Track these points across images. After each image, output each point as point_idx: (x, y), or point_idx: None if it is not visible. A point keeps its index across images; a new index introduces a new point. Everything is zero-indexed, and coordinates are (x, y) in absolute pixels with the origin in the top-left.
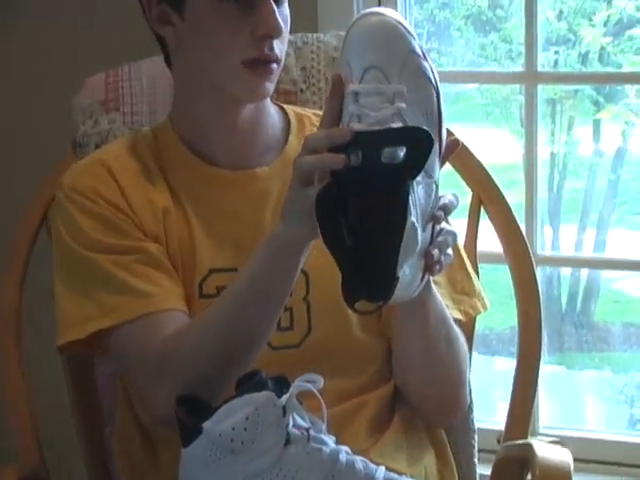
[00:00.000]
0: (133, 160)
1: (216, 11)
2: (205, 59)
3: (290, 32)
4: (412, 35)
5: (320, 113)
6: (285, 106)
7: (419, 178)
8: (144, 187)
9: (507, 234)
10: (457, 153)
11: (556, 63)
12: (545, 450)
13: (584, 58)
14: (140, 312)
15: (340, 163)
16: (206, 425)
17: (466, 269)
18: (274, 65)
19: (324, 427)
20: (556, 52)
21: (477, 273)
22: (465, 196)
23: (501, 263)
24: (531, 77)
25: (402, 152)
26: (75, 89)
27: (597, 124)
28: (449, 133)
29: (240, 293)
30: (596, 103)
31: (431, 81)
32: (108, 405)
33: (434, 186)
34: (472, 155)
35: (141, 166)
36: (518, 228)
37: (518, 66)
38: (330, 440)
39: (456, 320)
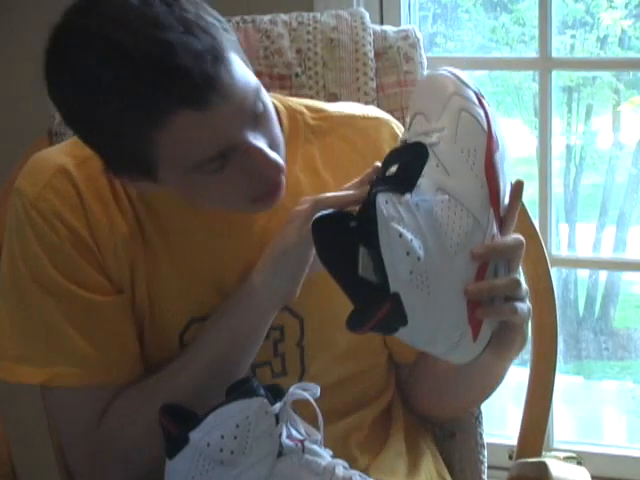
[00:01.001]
0: (101, 180)
1: (194, 180)
2: (205, 202)
3: (284, 12)
4: (464, 82)
5: (312, 102)
6: (276, 101)
7: (437, 199)
8: (108, 210)
9: (520, 231)
10: None
11: (572, 48)
12: (561, 470)
13: (603, 42)
14: (76, 383)
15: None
16: (193, 434)
17: None
18: (280, 183)
19: (320, 438)
20: (572, 36)
21: None
22: None
23: None
24: (545, 63)
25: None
26: None
27: (617, 114)
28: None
29: (207, 353)
30: (616, 91)
31: (479, 122)
32: None
33: (471, 219)
34: None
35: (109, 188)
36: (532, 224)
37: (531, 51)
38: (326, 453)
39: None
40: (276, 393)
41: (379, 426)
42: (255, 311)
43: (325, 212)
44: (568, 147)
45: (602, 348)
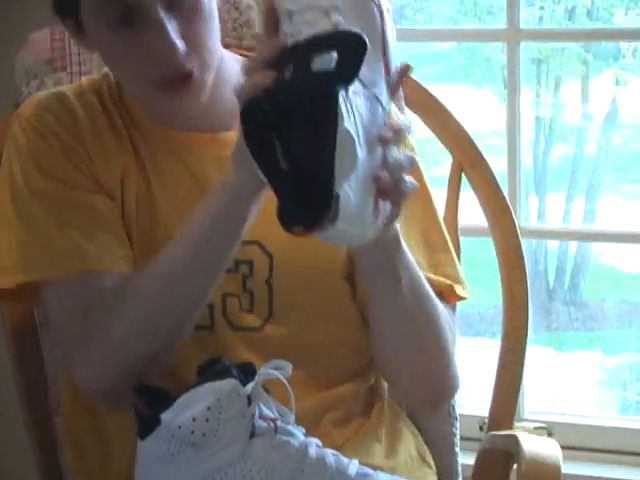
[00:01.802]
0: (96, 99)
1: (109, 34)
2: (119, 78)
3: None
4: None
5: None
6: (250, 55)
7: (357, 89)
8: (106, 139)
9: (491, 204)
10: (436, 116)
11: (541, 19)
12: (532, 443)
13: (571, 14)
14: (70, 270)
15: (267, 78)
16: (165, 416)
17: (450, 252)
18: (191, 79)
19: (292, 418)
20: (541, 7)
21: (459, 247)
22: (445, 164)
23: (483, 236)
24: (514, 34)
25: (333, 60)
26: (17, 47)
27: (586, 85)
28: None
29: (185, 248)
30: (584, 62)
31: None
32: (58, 394)
33: (379, 107)
34: (452, 117)
35: (105, 116)
36: (503, 197)
37: (500, 23)
38: (299, 432)
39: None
40: (247, 371)
41: (357, 407)
42: (236, 197)
43: (253, 99)
44: (537, 119)
45: (572, 319)
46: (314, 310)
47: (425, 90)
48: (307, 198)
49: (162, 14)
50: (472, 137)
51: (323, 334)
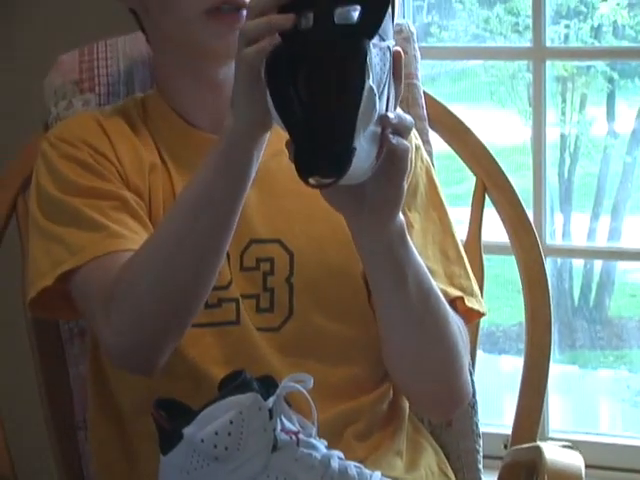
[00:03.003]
0: (122, 118)
1: None
2: (167, 17)
3: None
4: None
5: None
6: None
7: (375, 41)
8: (132, 142)
9: (514, 223)
10: (459, 135)
11: (566, 37)
12: (555, 454)
13: (597, 32)
14: (109, 249)
15: (289, 22)
16: (187, 430)
17: (464, 264)
18: (242, 11)
19: (314, 431)
20: (566, 26)
21: (482, 265)
22: (468, 182)
23: (508, 254)
24: (539, 52)
25: (356, 12)
26: (46, 69)
27: (611, 103)
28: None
29: (190, 199)
30: (610, 80)
31: None
32: (83, 408)
33: (388, 53)
34: (475, 137)
35: (130, 125)
36: (526, 216)
37: (525, 41)
38: (321, 445)
39: (452, 303)
40: (269, 384)
41: (378, 421)
42: (236, 143)
43: (278, 48)
44: (562, 136)
45: (597, 337)
46: (334, 310)
47: (447, 109)
48: (327, 149)
49: None
50: (494, 156)
51: (343, 336)
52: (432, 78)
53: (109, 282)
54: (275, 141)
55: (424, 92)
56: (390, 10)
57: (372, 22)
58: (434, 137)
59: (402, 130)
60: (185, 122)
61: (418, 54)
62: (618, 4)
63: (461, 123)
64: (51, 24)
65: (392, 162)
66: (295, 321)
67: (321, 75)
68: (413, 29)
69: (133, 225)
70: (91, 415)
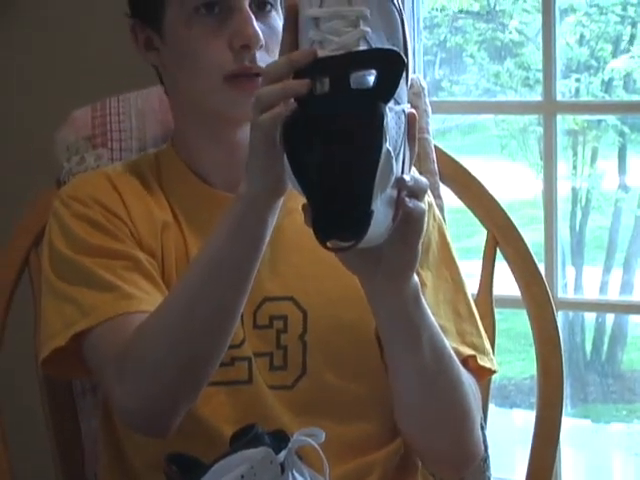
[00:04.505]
0: (134, 177)
1: (191, 26)
2: (185, 78)
3: None
4: None
5: None
6: None
7: (390, 104)
8: (145, 201)
9: (525, 277)
10: (470, 189)
11: (577, 91)
12: None
13: (607, 85)
14: (121, 310)
15: (305, 88)
16: None
17: (476, 322)
18: (260, 77)
19: None
20: (577, 80)
21: (493, 318)
22: (479, 235)
23: (519, 308)
24: (550, 106)
25: (371, 77)
26: (58, 122)
27: (622, 156)
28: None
29: (204, 265)
30: (621, 134)
31: (394, 3)
32: (94, 463)
33: (403, 116)
34: (486, 191)
35: (142, 182)
36: (537, 270)
37: (536, 95)
38: None
39: (464, 362)
40: (280, 439)
41: (391, 475)
42: (251, 209)
43: (295, 113)
44: (574, 190)
45: (609, 391)
46: (347, 368)
47: (458, 163)
48: (345, 214)
49: (246, 3)
50: (506, 211)
51: (355, 393)
52: (443, 132)
53: (121, 344)
54: (287, 199)
55: (435, 146)
56: (405, 74)
57: (388, 86)
58: (445, 191)
59: (418, 192)
60: (200, 179)
61: (429, 109)
62: (632, 57)
63: (472, 177)
64: (65, 77)
65: (408, 224)
66: (308, 379)
67: (338, 139)
68: (424, 84)
69: (145, 285)
70: (102, 470)
